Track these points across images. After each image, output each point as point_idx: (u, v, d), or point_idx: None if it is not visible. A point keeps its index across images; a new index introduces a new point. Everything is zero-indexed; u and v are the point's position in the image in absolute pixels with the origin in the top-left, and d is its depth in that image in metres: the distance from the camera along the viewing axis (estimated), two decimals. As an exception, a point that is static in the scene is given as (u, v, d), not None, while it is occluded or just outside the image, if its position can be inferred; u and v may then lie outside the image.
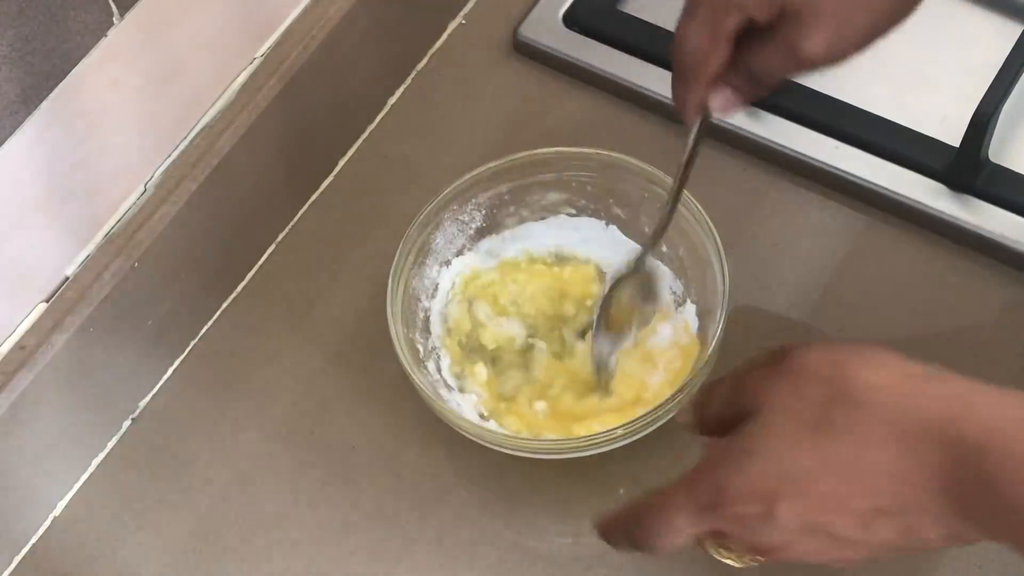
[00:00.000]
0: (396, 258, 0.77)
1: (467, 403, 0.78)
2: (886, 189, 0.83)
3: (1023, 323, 0.79)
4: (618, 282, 0.76)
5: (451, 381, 0.79)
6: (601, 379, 0.77)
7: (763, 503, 0.57)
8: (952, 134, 0.81)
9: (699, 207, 0.76)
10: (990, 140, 0.80)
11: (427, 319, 0.80)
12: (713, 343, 0.73)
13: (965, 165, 0.81)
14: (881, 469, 0.55)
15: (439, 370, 0.79)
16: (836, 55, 0.63)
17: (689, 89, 0.65)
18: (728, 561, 0.62)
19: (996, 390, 0.54)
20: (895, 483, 0.55)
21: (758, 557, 0.61)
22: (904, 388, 0.56)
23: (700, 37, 0.63)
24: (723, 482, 0.58)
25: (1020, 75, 0.79)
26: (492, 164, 0.79)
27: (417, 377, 0.74)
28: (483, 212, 0.81)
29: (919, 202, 0.82)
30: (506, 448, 0.73)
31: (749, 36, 0.63)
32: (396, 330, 0.75)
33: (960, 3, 0.88)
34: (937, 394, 0.55)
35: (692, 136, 0.68)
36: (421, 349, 0.78)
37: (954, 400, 0.54)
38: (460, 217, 0.80)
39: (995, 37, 0.85)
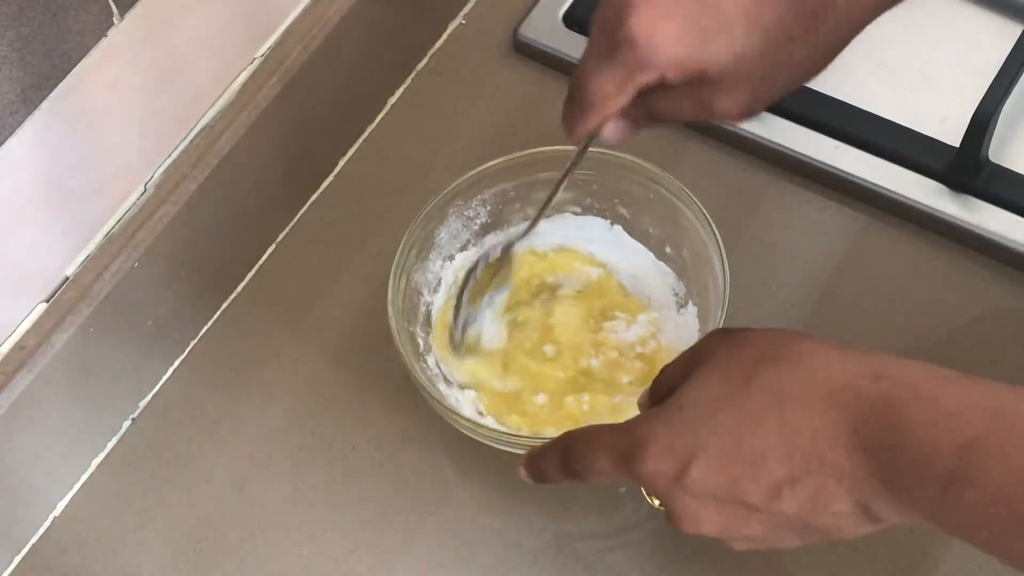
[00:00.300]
0: (399, 251, 0.77)
1: (465, 399, 0.78)
2: (886, 189, 0.83)
3: (1023, 323, 0.79)
4: (489, 262, 0.77)
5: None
6: (454, 342, 0.78)
7: (681, 462, 0.58)
8: (952, 134, 0.81)
9: (702, 208, 0.76)
10: (990, 140, 0.80)
11: (428, 313, 0.80)
12: None
13: (965, 165, 0.81)
14: (798, 424, 0.56)
15: (438, 365, 0.79)
16: (751, 114, 0.62)
17: (583, 121, 0.63)
18: (656, 503, 0.64)
19: (920, 361, 0.56)
20: (811, 438, 0.55)
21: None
22: (832, 352, 0.57)
23: (607, 84, 0.60)
24: (645, 433, 0.59)
25: (1020, 75, 0.79)
26: (499, 160, 0.79)
27: (416, 370, 0.74)
28: (488, 208, 0.81)
29: (919, 202, 0.82)
30: (502, 445, 0.73)
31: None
32: (396, 323, 0.75)
33: (960, 3, 0.88)
34: (861, 359, 0.57)
35: (577, 150, 0.68)
36: (421, 343, 0.78)
37: (878, 362, 0.56)
38: (465, 212, 0.80)
39: (995, 37, 0.85)
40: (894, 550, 0.73)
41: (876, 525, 0.57)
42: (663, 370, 0.65)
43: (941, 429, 0.52)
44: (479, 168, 0.79)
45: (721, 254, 0.75)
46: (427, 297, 0.80)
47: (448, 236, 0.80)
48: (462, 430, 0.74)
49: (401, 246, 0.77)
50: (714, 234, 0.75)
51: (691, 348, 0.64)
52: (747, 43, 0.58)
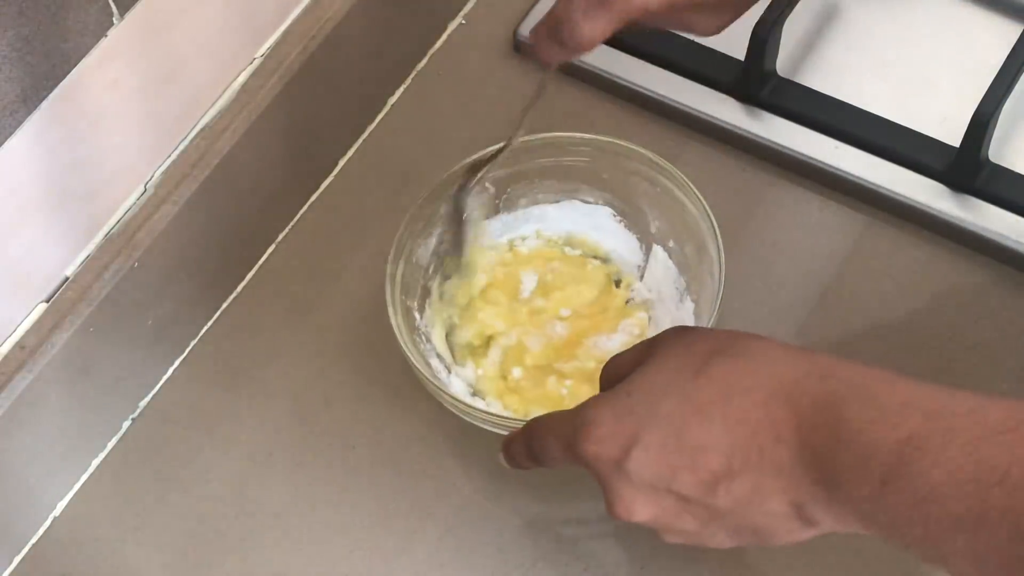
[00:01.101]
0: (403, 224, 0.77)
1: (457, 380, 0.78)
2: (886, 189, 0.83)
3: (1023, 323, 0.79)
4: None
5: (444, 355, 0.79)
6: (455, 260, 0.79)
7: (622, 447, 0.59)
8: (952, 134, 0.81)
9: (704, 202, 0.76)
10: (990, 140, 0.80)
11: (427, 289, 0.80)
12: None
13: (965, 165, 0.81)
14: (741, 416, 0.56)
15: (429, 339, 0.79)
16: (725, 27, 0.65)
17: (562, 55, 0.65)
18: None
19: (868, 364, 0.56)
20: (752, 432, 0.56)
21: None
22: (782, 351, 0.58)
23: (595, 27, 0.62)
24: (591, 416, 0.60)
25: (1020, 75, 0.79)
26: (511, 142, 0.79)
27: (406, 342, 0.74)
28: (495, 190, 0.81)
29: (919, 202, 0.82)
30: (487, 425, 0.73)
31: None
32: (393, 294, 0.75)
33: (960, 3, 0.88)
34: (809, 357, 0.57)
35: (544, 75, 0.69)
36: (418, 317, 0.78)
37: (825, 362, 0.57)
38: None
39: (995, 37, 0.85)
40: (895, 551, 0.73)
41: (809, 530, 0.58)
42: (613, 359, 0.66)
43: (881, 426, 0.53)
44: (488, 148, 0.79)
45: (718, 248, 0.74)
46: (428, 273, 0.80)
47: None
48: (451, 409, 0.74)
49: (405, 221, 0.77)
50: (714, 228, 0.75)
51: (646, 340, 0.64)
52: None
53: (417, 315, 0.79)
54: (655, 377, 0.60)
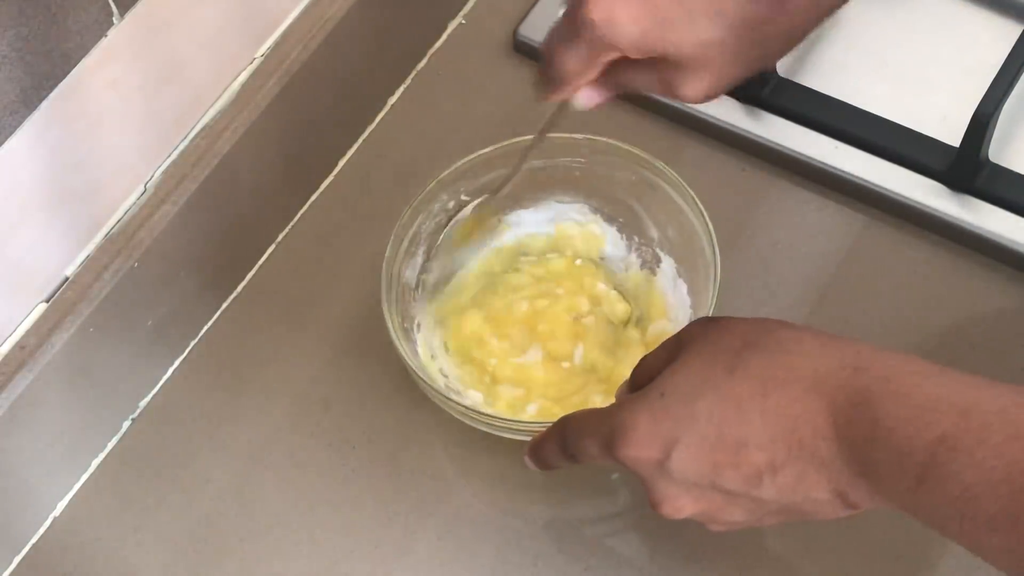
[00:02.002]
0: (401, 218, 0.78)
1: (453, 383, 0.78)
2: (886, 189, 0.83)
3: (1023, 323, 0.79)
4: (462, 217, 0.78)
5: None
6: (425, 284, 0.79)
7: (662, 448, 0.59)
8: (952, 134, 0.81)
9: (701, 207, 0.76)
10: (990, 140, 0.80)
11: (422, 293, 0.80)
12: None
13: (965, 165, 0.81)
14: (780, 411, 0.57)
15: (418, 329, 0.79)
16: (713, 96, 0.61)
17: (555, 91, 0.64)
18: None
19: (900, 352, 0.57)
20: (792, 426, 0.56)
21: None
22: (813, 342, 0.58)
23: (572, 61, 0.61)
24: (626, 419, 0.60)
25: (1020, 75, 0.79)
26: (486, 150, 0.79)
27: (396, 333, 0.74)
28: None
29: (919, 202, 0.82)
30: (466, 419, 0.73)
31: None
32: (389, 298, 0.75)
33: (960, 3, 0.88)
34: (842, 348, 0.57)
35: (552, 113, 0.68)
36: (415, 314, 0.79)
37: (858, 353, 0.57)
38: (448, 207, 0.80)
39: (995, 37, 0.85)
40: (895, 551, 0.73)
41: (854, 510, 0.58)
42: (643, 359, 0.66)
43: (914, 425, 0.53)
44: (468, 157, 0.79)
45: (714, 248, 0.74)
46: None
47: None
48: (436, 402, 0.74)
49: (392, 239, 0.77)
50: (708, 229, 0.75)
51: (673, 336, 0.64)
52: (710, 32, 0.58)
53: (414, 312, 0.79)
54: (687, 376, 0.60)
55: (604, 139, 0.79)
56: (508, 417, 0.74)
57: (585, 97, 0.64)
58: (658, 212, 0.80)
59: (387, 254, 0.77)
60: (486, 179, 0.80)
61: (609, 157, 0.79)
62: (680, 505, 0.60)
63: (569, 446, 0.65)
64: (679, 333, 0.64)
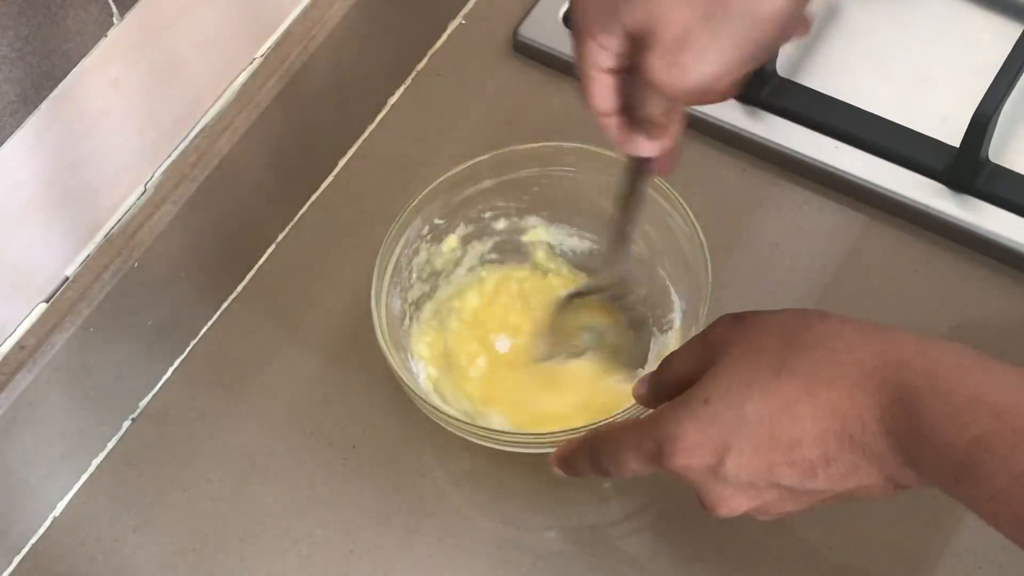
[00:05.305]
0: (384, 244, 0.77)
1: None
2: (886, 189, 0.83)
3: (1023, 323, 0.79)
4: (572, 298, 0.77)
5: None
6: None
7: (714, 454, 0.59)
8: (952, 134, 0.81)
9: (687, 210, 0.75)
10: (990, 140, 0.80)
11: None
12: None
13: (965, 165, 0.81)
14: (829, 409, 0.57)
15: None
16: (688, 82, 0.58)
17: (610, 129, 0.64)
18: None
19: (941, 341, 0.57)
20: (842, 421, 0.57)
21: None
22: (855, 335, 0.59)
23: (586, 78, 0.62)
24: (676, 430, 0.60)
25: (1020, 75, 0.79)
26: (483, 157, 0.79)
27: (389, 349, 0.74)
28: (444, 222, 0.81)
29: (919, 202, 0.82)
30: (452, 428, 0.73)
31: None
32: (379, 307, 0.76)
33: (960, 3, 0.88)
34: (885, 340, 0.58)
35: (629, 178, 0.68)
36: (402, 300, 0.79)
37: (900, 347, 0.57)
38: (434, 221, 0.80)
39: (995, 37, 0.85)
40: (895, 551, 0.73)
41: (906, 489, 0.59)
42: (667, 359, 0.65)
43: (953, 425, 0.53)
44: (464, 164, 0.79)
45: (704, 253, 0.74)
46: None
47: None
48: (423, 411, 0.74)
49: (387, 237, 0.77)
50: (697, 233, 0.74)
51: (700, 337, 0.64)
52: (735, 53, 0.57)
53: (406, 311, 0.79)
54: (731, 380, 0.59)
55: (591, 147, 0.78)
56: (501, 430, 0.75)
57: (654, 149, 0.65)
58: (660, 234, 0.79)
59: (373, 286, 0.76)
60: (459, 199, 0.80)
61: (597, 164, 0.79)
62: (736, 505, 0.60)
63: (604, 461, 0.64)
64: (706, 333, 0.63)
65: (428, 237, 0.80)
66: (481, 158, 0.78)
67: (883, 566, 0.73)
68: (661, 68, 0.58)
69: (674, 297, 0.78)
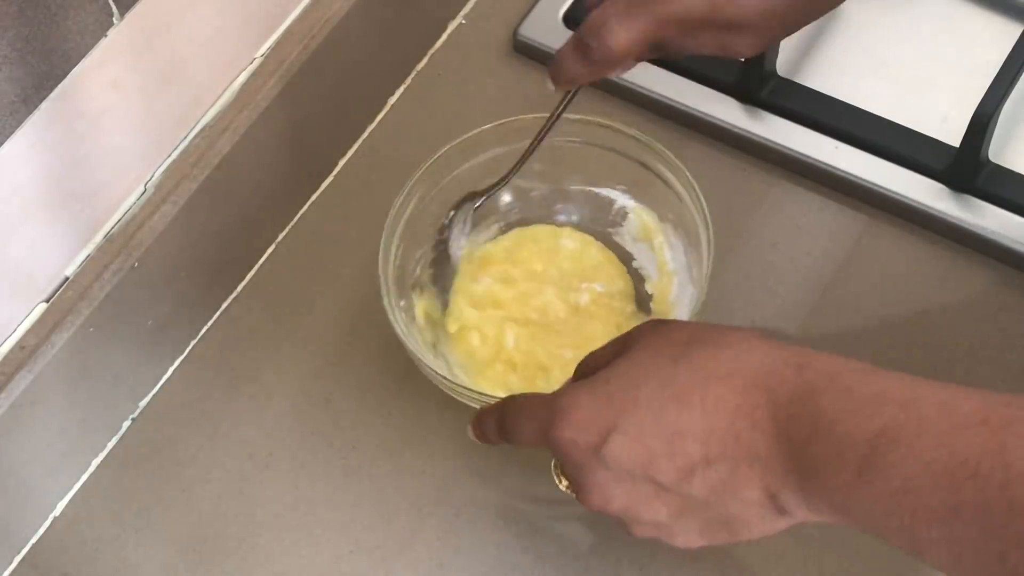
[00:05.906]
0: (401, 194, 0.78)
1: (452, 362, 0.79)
2: (886, 189, 0.83)
3: (1023, 323, 0.79)
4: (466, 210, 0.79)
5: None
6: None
7: (599, 434, 0.59)
8: (952, 134, 0.81)
9: (699, 193, 0.76)
10: (990, 140, 0.80)
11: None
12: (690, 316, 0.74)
13: (965, 165, 0.81)
14: (720, 403, 0.57)
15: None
16: (757, 53, 0.65)
17: (596, 72, 0.65)
18: (562, 487, 0.65)
19: (843, 356, 0.57)
20: (730, 418, 0.57)
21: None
22: (763, 343, 0.59)
23: (632, 35, 0.63)
24: (568, 401, 0.61)
25: (1020, 75, 0.79)
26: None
27: (401, 325, 0.74)
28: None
29: (919, 202, 0.82)
30: (452, 392, 0.73)
31: None
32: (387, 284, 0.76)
33: (960, 3, 0.89)
34: (789, 349, 0.58)
35: (567, 98, 0.70)
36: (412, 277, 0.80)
37: (801, 352, 0.57)
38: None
39: (995, 37, 0.85)
40: (894, 551, 0.73)
41: (782, 520, 0.58)
42: (590, 355, 0.66)
43: (856, 417, 0.53)
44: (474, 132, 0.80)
45: (709, 237, 0.75)
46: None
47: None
48: (434, 381, 0.74)
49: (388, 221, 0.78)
50: (702, 207, 0.76)
51: (623, 335, 0.65)
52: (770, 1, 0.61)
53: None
54: (634, 365, 0.61)
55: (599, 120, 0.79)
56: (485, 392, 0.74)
57: (622, 69, 0.67)
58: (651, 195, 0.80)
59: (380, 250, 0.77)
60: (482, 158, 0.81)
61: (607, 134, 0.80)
62: (609, 495, 0.60)
63: (507, 425, 0.66)
64: (629, 331, 0.65)
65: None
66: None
67: (883, 566, 0.73)
68: (744, 47, 0.64)
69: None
